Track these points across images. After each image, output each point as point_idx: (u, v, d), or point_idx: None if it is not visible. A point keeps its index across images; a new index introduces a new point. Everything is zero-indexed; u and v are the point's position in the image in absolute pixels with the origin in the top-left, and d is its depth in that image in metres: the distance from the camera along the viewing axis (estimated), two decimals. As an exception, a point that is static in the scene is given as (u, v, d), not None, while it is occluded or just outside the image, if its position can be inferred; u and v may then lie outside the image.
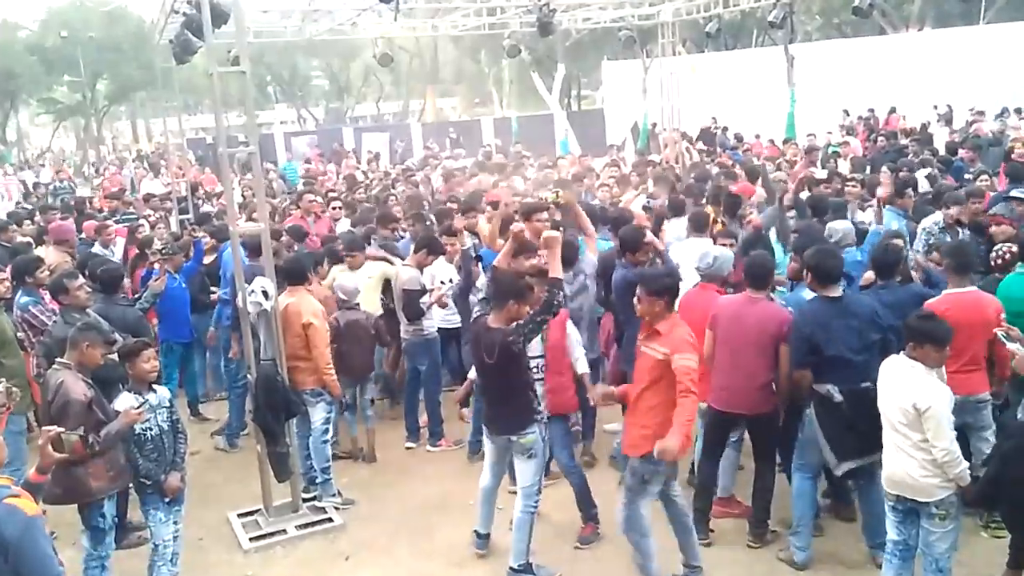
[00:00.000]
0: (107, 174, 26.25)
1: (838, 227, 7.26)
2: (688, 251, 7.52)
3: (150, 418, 5.35)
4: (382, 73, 46.01)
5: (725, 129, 23.36)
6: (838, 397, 5.25)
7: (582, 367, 6.09)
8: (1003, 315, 5.45)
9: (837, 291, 5.45)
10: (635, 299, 5.19)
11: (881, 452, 5.02)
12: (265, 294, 6.22)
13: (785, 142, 17.70)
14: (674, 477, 5.32)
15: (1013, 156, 11.51)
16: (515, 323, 5.30)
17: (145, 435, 5.34)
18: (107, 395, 5.41)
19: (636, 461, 5.10)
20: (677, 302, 5.25)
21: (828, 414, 5.32)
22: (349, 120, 53.43)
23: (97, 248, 10.11)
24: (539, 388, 5.77)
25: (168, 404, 5.52)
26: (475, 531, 6.02)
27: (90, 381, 5.27)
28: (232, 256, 8.23)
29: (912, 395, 4.55)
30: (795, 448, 5.68)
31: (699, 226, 7.72)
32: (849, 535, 5.90)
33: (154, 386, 5.48)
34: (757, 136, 21.62)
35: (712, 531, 5.98)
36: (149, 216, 12.91)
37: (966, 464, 4.53)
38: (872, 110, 22.90)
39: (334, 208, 11.42)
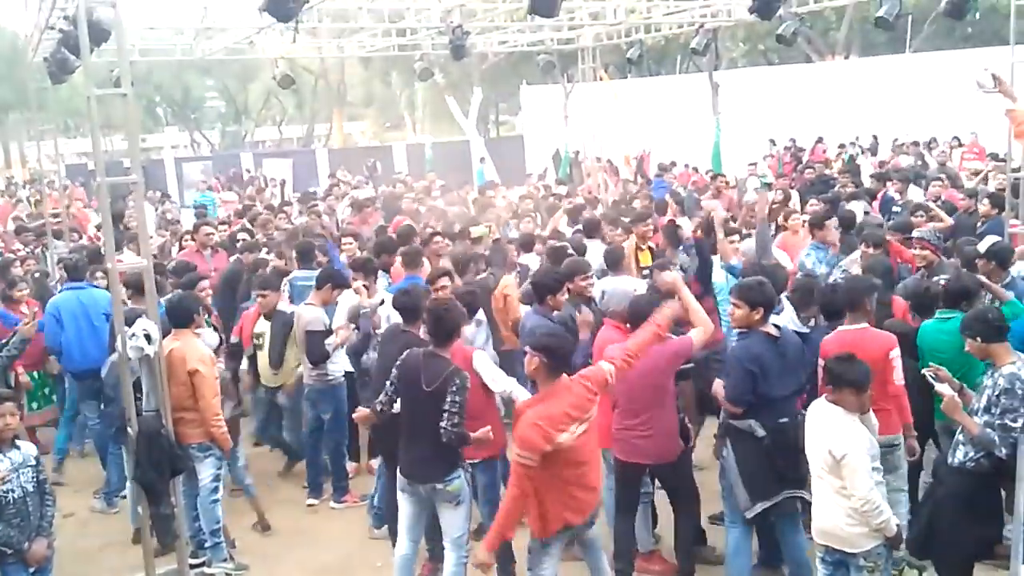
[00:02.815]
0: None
1: None
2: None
3: (12, 478, 5.15)
4: (284, 95, 45.68)
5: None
6: (760, 432, 5.28)
7: (520, 393, 5.67)
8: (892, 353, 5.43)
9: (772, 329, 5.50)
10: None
11: (795, 490, 5.21)
12: (148, 338, 6.04)
13: (714, 177, 18.07)
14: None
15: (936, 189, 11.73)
16: None
17: (6, 497, 5.15)
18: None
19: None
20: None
21: (747, 451, 5.36)
22: (248, 145, 52.76)
23: None
24: None
25: (33, 462, 5.33)
26: None
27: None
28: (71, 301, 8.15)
29: (829, 441, 4.67)
30: (722, 500, 5.72)
31: (613, 263, 7.78)
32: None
33: (17, 442, 5.29)
34: (686, 165, 22.20)
35: (637, 592, 5.95)
36: (19, 251, 12.45)
37: (889, 513, 4.62)
38: (794, 143, 23.69)
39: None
